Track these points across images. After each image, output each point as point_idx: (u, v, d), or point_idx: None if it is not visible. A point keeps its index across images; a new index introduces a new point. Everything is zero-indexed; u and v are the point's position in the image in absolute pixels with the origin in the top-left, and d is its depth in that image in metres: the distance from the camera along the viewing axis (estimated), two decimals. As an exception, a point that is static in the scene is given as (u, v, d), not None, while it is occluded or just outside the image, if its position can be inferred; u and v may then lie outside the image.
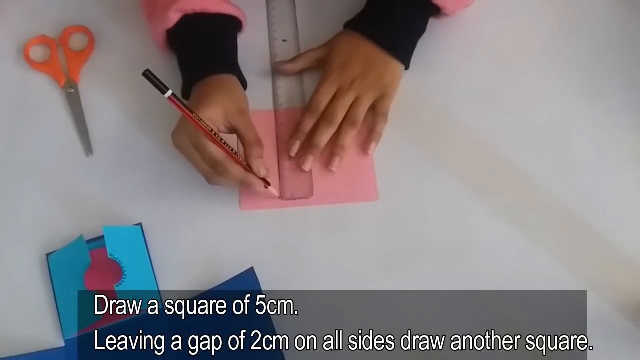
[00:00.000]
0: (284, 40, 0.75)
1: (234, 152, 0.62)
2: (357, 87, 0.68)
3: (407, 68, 0.71)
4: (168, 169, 0.68)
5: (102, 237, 0.61)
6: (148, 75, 0.55)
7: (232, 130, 0.64)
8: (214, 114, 0.61)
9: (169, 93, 0.56)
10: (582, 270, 0.63)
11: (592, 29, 0.76)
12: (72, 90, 0.72)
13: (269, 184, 0.64)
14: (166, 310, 0.61)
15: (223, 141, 0.60)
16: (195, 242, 0.64)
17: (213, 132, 0.60)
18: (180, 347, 0.59)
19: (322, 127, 0.67)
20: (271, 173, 0.66)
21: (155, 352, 0.59)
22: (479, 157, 0.68)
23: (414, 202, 0.66)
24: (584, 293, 0.62)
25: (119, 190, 0.67)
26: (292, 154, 0.67)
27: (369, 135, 0.69)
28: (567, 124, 0.70)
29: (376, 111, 0.69)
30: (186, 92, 0.68)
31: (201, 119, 0.59)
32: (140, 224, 0.65)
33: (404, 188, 0.67)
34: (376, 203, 0.66)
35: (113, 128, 0.70)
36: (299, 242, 0.64)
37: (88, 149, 0.69)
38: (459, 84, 0.72)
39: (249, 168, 0.63)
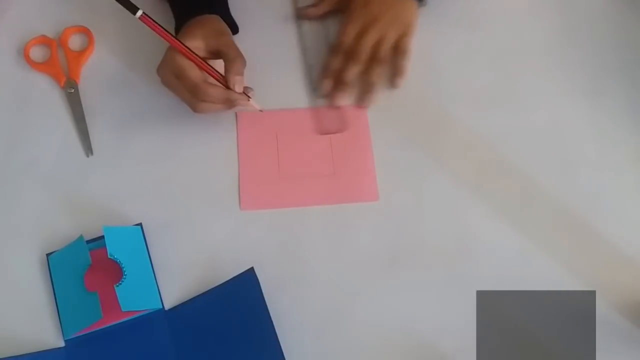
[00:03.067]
0: None
1: (215, 71, 0.64)
2: (379, 25, 0.71)
3: (422, 4, 0.73)
4: (168, 169, 0.68)
5: (102, 237, 0.61)
6: None
7: (214, 53, 0.66)
8: (193, 41, 0.64)
9: (140, 13, 0.60)
10: (582, 270, 0.63)
11: (592, 29, 0.76)
12: (72, 90, 0.72)
13: (249, 97, 0.66)
14: (166, 310, 0.61)
15: (202, 60, 0.64)
16: (195, 242, 0.64)
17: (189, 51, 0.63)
18: (180, 347, 0.59)
19: (349, 65, 0.70)
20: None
21: (155, 352, 0.59)
22: (479, 157, 0.68)
23: (414, 202, 0.66)
24: (590, 293, 0.62)
25: (119, 190, 0.67)
26: (324, 92, 0.70)
27: (395, 71, 0.71)
28: (567, 124, 0.70)
29: (399, 48, 0.72)
30: (177, 29, 0.70)
31: (174, 35, 0.63)
32: (140, 224, 0.65)
33: (404, 188, 0.67)
34: (376, 203, 0.66)
35: (113, 128, 0.70)
36: (299, 242, 0.64)
37: (88, 149, 0.69)
38: (459, 84, 0.72)
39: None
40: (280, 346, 0.58)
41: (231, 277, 0.61)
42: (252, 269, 0.61)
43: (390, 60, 0.72)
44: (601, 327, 0.61)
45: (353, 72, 0.70)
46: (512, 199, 0.66)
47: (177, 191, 0.67)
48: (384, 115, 0.71)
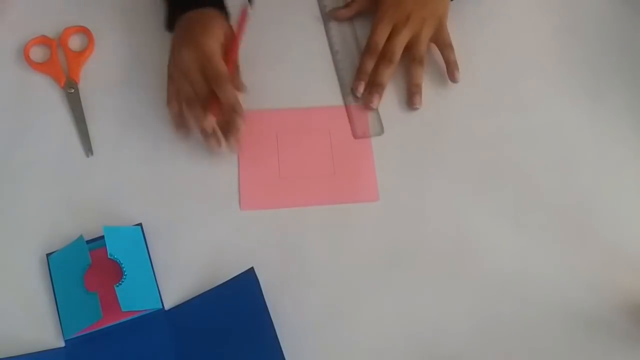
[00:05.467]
0: None
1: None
2: (413, 22, 0.70)
3: None
4: (168, 169, 0.68)
5: (102, 237, 0.61)
6: None
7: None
8: (215, 43, 0.66)
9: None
10: (582, 270, 0.63)
11: (592, 29, 0.76)
12: (72, 90, 0.72)
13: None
14: (166, 310, 0.61)
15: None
16: (195, 242, 0.64)
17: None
18: (180, 347, 0.59)
19: (382, 65, 0.69)
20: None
21: (155, 352, 0.59)
22: (479, 157, 0.69)
23: (414, 202, 0.66)
24: (581, 292, 0.62)
25: (119, 190, 0.67)
26: (358, 94, 0.69)
27: (450, 67, 0.71)
28: (567, 124, 0.70)
29: (441, 44, 0.72)
30: (170, 24, 0.70)
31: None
32: (140, 224, 0.65)
33: (404, 188, 0.67)
34: (376, 203, 0.66)
35: (113, 128, 0.70)
36: (299, 242, 0.64)
37: (88, 149, 0.69)
38: (459, 84, 0.72)
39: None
40: (280, 346, 0.58)
41: (231, 277, 0.61)
42: (252, 269, 0.61)
43: (436, 58, 0.71)
44: (601, 327, 0.61)
45: (387, 74, 0.70)
46: (512, 199, 0.66)
47: (177, 191, 0.67)
48: (384, 116, 0.71)
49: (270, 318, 0.59)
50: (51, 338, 0.60)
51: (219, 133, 0.65)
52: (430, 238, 0.64)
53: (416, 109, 0.70)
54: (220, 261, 0.63)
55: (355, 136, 0.69)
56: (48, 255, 0.64)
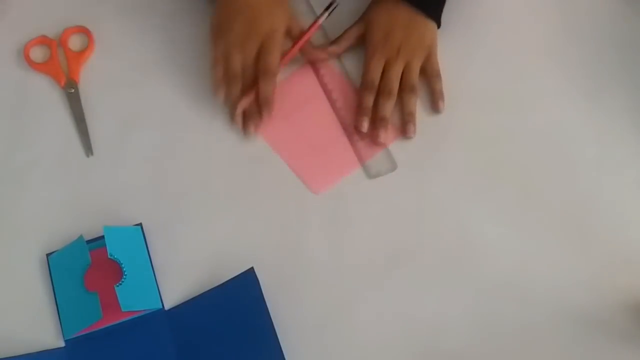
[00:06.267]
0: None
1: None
2: (404, 53, 0.71)
3: (439, 26, 0.73)
4: (168, 169, 0.68)
5: (102, 237, 0.61)
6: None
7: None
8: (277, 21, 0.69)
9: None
10: (582, 270, 0.63)
11: (592, 29, 0.76)
12: (72, 90, 0.72)
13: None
14: (166, 310, 0.61)
15: None
16: (195, 242, 0.64)
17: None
18: (180, 347, 0.59)
19: (383, 99, 0.70)
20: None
21: (155, 352, 0.59)
22: (479, 157, 0.68)
23: (414, 202, 0.66)
24: (582, 292, 0.62)
25: (119, 190, 0.67)
26: (364, 130, 0.69)
27: (434, 97, 0.71)
28: (567, 124, 0.70)
29: (429, 73, 0.72)
30: None
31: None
32: (140, 224, 0.65)
33: (403, 188, 0.67)
34: (376, 203, 0.66)
35: (113, 128, 0.70)
36: (299, 242, 0.64)
37: (88, 149, 0.69)
38: (458, 85, 0.72)
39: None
40: (280, 346, 0.58)
41: (231, 277, 0.61)
42: (252, 269, 0.61)
43: (423, 86, 0.71)
44: (601, 327, 0.61)
45: (389, 107, 0.69)
46: (511, 198, 0.66)
47: (177, 191, 0.67)
48: (384, 115, 0.71)
49: (270, 318, 0.59)
50: (51, 338, 0.60)
51: (242, 118, 0.69)
52: (430, 238, 0.64)
53: (410, 137, 0.69)
54: (220, 261, 0.63)
55: (369, 176, 0.68)
56: (48, 255, 0.64)
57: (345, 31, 0.73)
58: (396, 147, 0.69)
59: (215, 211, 0.66)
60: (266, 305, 0.60)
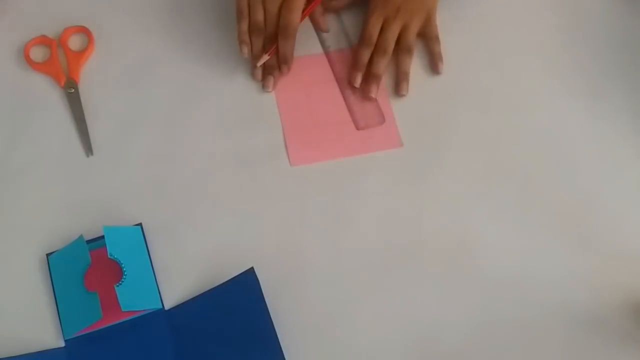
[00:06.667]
0: None
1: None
2: (403, 14, 0.72)
3: None
4: (168, 169, 0.68)
5: (102, 237, 0.61)
6: None
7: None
8: None
9: None
10: (582, 269, 0.63)
11: (592, 29, 0.76)
12: (72, 90, 0.72)
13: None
14: (166, 310, 0.61)
15: None
16: (195, 242, 0.64)
17: None
18: (180, 347, 0.59)
19: (378, 57, 0.72)
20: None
21: (155, 352, 0.59)
22: (479, 157, 0.68)
23: (414, 202, 0.66)
24: (580, 292, 0.62)
25: (119, 190, 0.67)
26: (357, 85, 0.71)
27: (433, 59, 0.73)
28: (567, 124, 0.70)
29: (428, 36, 0.74)
30: None
31: None
32: (140, 224, 0.65)
33: (404, 188, 0.67)
34: (376, 203, 0.66)
35: (113, 128, 0.70)
36: (299, 242, 0.64)
37: (88, 149, 0.69)
38: (458, 85, 0.72)
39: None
40: (280, 346, 0.58)
41: (231, 277, 0.61)
42: (252, 269, 0.61)
43: (422, 48, 0.74)
44: (601, 327, 0.61)
45: (383, 65, 0.72)
46: (511, 198, 0.66)
47: (177, 191, 0.67)
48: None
49: (270, 318, 0.59)
50: (51, 338, 0.60)
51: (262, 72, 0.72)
52: (430, 238, 0.64)
53: (402, 95, 0.71)
54: (220, 261, 0.63)
55: (357, 128, 0.70)
56: (48, 255, 0.64)
57: None
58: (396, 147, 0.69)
59: (215, 211, 0.66)
60: (266, 305, 0.60)
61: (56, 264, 0.63)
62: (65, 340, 0.60)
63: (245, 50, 0.71)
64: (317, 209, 0.66)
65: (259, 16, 0.71)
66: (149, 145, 0.69)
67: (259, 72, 0.72)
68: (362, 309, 0.61)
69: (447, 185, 0.67)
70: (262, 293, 0.60)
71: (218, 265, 0.63)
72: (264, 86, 0.71)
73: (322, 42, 0.75)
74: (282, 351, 0.58)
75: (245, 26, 0.71)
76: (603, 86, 0.73)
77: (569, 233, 0.65)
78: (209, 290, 0.62)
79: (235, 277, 0.61)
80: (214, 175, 0.68)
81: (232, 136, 0.70)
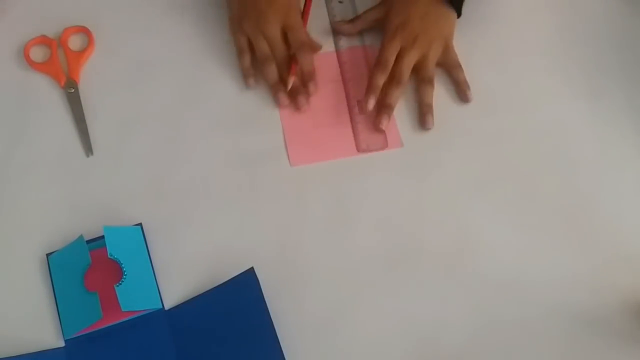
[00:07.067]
0: (340, 2, 0.77)
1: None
2: (420, 44, 0.70)
3: (459, 16, 0.73)
4: (168, 169, 0.68)
5: (102, 237, 0.61)
6: None
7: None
8: (272, 28, 0.71)
9: None
10: (582, 269, 0.63)
11: (592, 29, 0.76)
12: (72, 90, 0.72)
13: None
14: (166, 310, 0.61)
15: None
16: (195, 242, 0.64)
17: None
18: (180, 347, 0.59)
19: (392, 87, 0.70)
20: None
21: (155, 352, 0.59)
22: (479, 157, 0.68)
23: (414, 202, 0.66)
24: (580, 292, 0.62)
25: (119, 190, 0.67)
26: (369, 108, 0.69)
27: (458, 87, 0.71)
28: (567, 124, 0.70)
29: (449, 64, 0.72)
30: None
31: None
32: (140, 224, 0.65)
33: (404, 188, 0.67)
34: (376, 203, 0.66)
35: (113, 128, 0.70)
36: (299, 242, 0.64)
37: (88, 149, 0.69)
38: (459, 84, 0.72)
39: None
40: (280, 346, 0.58)
41: (231, 277, 0.61)
42: (252, 269, 0.61)
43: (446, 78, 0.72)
44: (601, 327, 0.61)
45: (396, 96, 0.70)
46: (512, 198, 0.66)
47: (177, 191, 0.67)
48: (384, 115, 0.71)
49: (270, 318, 0.59)
50: (51, 338, 0.60)
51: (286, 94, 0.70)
52: (431, 238, 0.64)
53: (428, 129, 0.69)
54: (220, 261, 0.63)
55: (358, 150, 0.69)
56: (48, 255, 0.64)
57: (365, 12, 0.75)
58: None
59: (215, 211, 0.66)
60: (266, 305, 0.60)
61: (56, 264, 0.63)
62: (65, 340, 0.60)
63: (251, 81, 0.71)
64: (317, 209, 0.66)
65: (264, 46, 0.70)
66: (149, 145, 0.69)
67: (284, 97, 0.70)
68: (362, 309, 0.61)
69: (447, 186, 0.67)
70: (262, 293, 0.60)
71: (218, 265, 0.63)
72: (296, 108, 0.70)
73: (336, 42, 0.75)
74: (282, 351, 0.58)
75: (248, 62, 0.71)
76: (603, 86, 0.73)
77: (570, 233, 0.65)
78: (209, 290, 0.62)
79: (235, 277, 0.61)
80: (214, 175, 0.68)
81: (232, 136, 0.70)
